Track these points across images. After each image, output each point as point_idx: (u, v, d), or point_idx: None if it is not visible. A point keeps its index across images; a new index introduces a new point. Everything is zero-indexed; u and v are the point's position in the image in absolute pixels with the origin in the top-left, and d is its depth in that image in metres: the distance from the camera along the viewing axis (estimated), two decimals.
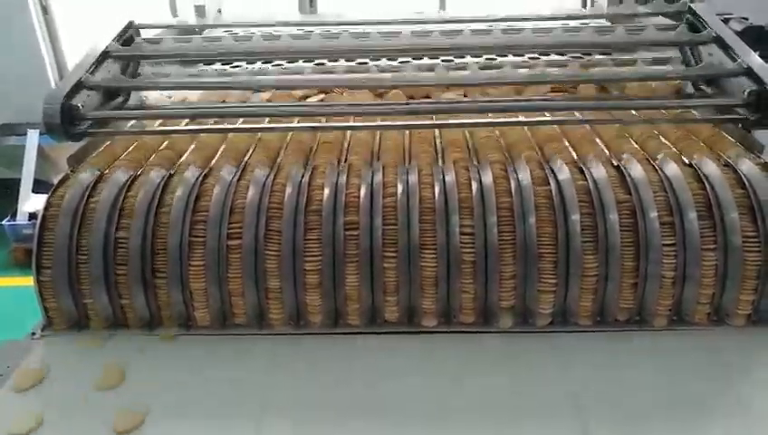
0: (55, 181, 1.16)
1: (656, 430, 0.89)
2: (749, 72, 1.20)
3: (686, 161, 1.14)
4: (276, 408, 0.94)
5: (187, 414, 0.94)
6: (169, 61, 1.53)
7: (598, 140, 1.25)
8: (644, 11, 1.66)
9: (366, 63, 1.53)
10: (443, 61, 1.50)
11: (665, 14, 1.56)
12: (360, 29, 1.61)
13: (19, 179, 3.56)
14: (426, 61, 1.52)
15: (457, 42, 1.47)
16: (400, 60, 1.53)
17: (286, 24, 1.68)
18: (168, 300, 1.08)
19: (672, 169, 1.10)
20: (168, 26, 1.73)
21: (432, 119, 1.31)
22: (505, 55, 1.54)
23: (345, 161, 1.21)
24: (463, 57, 1.52)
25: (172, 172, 1.17)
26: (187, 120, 1.38)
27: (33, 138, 3.57)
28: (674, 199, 1.06)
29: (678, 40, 1.42)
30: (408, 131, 1.32)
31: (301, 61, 1.56)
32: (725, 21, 1.50)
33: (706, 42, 1.34)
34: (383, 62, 1.53)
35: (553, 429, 0.90)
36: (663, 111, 1.33)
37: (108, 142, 1.31)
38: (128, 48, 1.45)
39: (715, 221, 1.04)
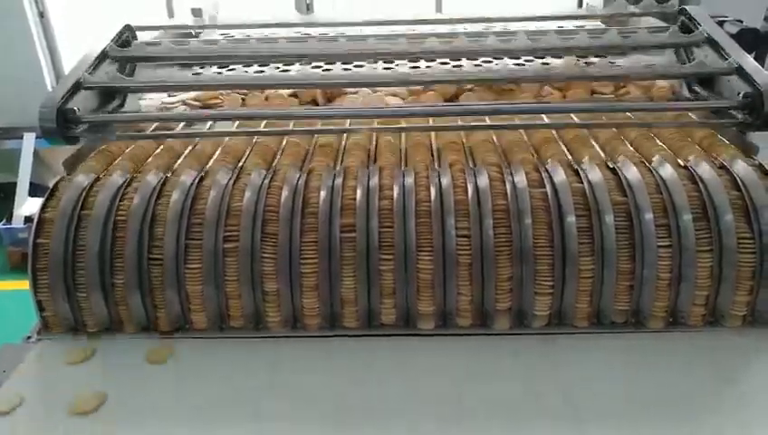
0: (51, 185, 1.16)
1: (652, 432, 0.90)
2: (739, 71, 1.21)
3: (681, 163, 1.14)
4: (273, 412, 0.94)
5: (182, 417, 0.94)
6: (165, 64, 1.53)
7: (593, 142, 1.25)
8: (638, 11, 1.67)
9: (362, 66, 1.54)
10: (440, 63, 1.51)
11: (657, 15, 1.57)
12: (356, 30, 1.62)
13: (15, 183, 3.56)
14: (422, 63, 1.53)
15: (451, 47, 1.47)
16: (397, 62, 1.54)
17: (284, 25, 1.70)
18: (164, 303, 1.08)
19: (667, 171, 1.11)
20: (165, 27, 1.73)
21: (428, 122, 1.32)
22: (501, 58, 1.54)
23: (341, 164, 1.21)
24: (458, 60, 1.53)
25: (168, 175, 1.17)
26: (183, 124, 1.38)
27: (29, 141, 3.57)
28: (669, 201, 1.06)
29: (670, 42, 1.43)
30: (404, 135, 1.32)
31: (297, 65, 1.56)
32: (720, 23, 1.50)
33: (699, 43, 1.35)
34: (380, 65, 1.53)
35: (550, 431, 0.90)
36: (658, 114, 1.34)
37: (104, 145, 1.30)
38: (125, 50, 1.45)
39: (710, 223, 1.04)
